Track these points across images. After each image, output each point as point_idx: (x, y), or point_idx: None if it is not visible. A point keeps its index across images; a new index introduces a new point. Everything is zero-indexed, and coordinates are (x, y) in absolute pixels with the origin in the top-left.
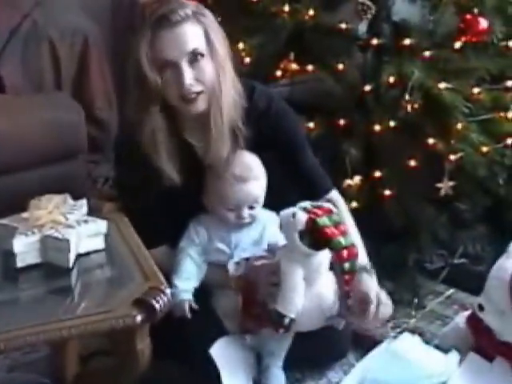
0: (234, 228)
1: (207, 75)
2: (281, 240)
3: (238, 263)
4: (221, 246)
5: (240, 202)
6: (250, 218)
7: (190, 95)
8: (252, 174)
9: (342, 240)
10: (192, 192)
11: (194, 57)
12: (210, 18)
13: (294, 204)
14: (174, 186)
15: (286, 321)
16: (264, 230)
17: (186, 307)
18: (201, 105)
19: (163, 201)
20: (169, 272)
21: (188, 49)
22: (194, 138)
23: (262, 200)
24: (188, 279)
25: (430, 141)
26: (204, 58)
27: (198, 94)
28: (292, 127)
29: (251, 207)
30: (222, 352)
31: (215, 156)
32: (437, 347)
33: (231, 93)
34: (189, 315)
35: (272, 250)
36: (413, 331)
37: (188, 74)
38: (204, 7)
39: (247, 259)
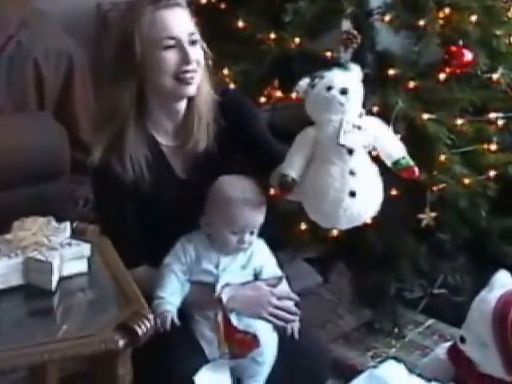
0: (225, 251)
1: (201, 60)
2: (266, 266)
3: (226, 285)
4: (209, 267)
5: (246, 226)
6: (249, 244)
7: (191, 74)
8: (258, 199)
9: None
10: (170, 208)
11: (192, 41)
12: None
13: None
14: (152, 201)
15: (289, 179)
16: (252, 255)
17: (169, 319)
18: (192, 89)
19: (143, 219)
20: (148, 292)
21: (189, 29)
22: (164, 136)
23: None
24: (172, 293)
25: None
26: (198, 44)
27: (194, 76)
28: (254, 116)
29: (252, 232)
30: (205, 380)
31: (193, 149)
32: (419, 376)
33: (209, 87)
34: (168, 328)
35: (273, 283)
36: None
37: (192, 51)
38: None
39: (228, 284)
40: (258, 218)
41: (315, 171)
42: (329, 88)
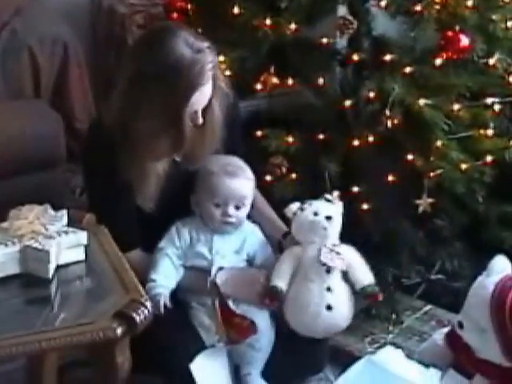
0: (217, 233)
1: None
2: (259, 252)
3: (220, 269)
4: (202, 249)
5: (228, 197)
6: (236, 219)
7: None
8: (242, 173)
9: None
10: (165, 193)
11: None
12: (214, 55)
13: None
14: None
15: (279, 290)
16: (245, 240)
17: (161, 302)
18: None
19: (134, 208)
20: (142, 277)
21: (207, 102)
22: None
23: (248, 203)
24: (166, 276)
25: (410, 157)
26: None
27: None
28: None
29: (237, 207)
30: (202, 367)
31: (203, 151)
32: (417, 362)
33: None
34: (162, 311)
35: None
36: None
37: (201, 116)
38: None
39: (223, 268)
40: (240, 189)
41: (296, 287)
42: (315, 214)
